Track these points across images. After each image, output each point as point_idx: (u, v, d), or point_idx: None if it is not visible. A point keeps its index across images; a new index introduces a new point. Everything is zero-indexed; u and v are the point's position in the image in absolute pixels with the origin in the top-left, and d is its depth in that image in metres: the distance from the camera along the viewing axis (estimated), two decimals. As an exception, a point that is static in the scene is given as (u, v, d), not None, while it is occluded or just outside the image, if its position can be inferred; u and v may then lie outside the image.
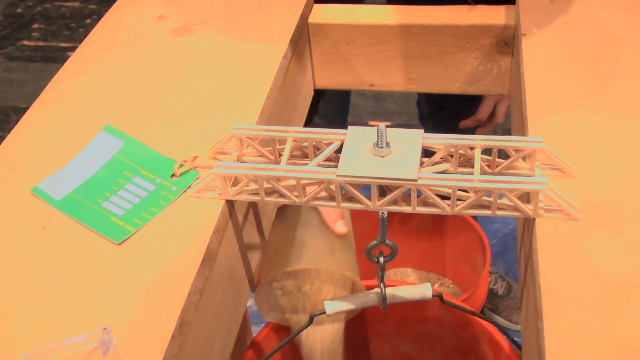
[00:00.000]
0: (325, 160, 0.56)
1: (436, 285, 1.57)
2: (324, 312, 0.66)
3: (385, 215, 0.57)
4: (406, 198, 0.54)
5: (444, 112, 1.46)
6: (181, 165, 0.60)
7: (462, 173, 0.56)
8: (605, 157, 0.57)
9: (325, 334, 0.86)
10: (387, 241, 0.59)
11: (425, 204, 0.53)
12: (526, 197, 0.54)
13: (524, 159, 0.55)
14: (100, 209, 0.57)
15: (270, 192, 0.56)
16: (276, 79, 0.69)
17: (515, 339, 0.78)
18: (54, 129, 0.66)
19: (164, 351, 0.46)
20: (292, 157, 0.59)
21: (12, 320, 0.49)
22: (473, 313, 0.75)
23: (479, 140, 0.54)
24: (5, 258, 0.54)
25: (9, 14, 2.93)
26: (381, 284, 0.64)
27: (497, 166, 0.56)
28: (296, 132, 0.57)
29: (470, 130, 1.39)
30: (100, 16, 0.84)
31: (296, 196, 0.55)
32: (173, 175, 0.59)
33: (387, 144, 0.53)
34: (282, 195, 0.55)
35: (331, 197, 0.55)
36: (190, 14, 0.81)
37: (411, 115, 2.13)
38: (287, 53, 0.73)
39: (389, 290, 0.65)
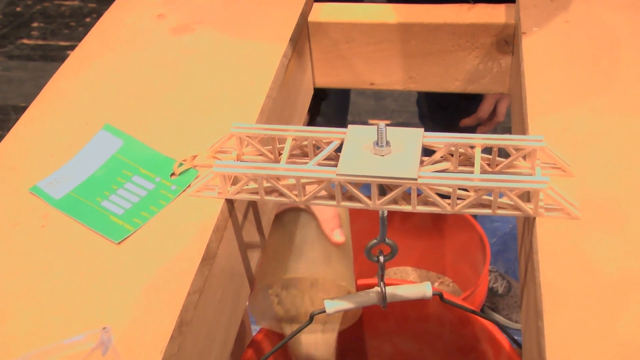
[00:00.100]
0: (325, 159, 0.56)
1: (436, 284, 1.57)
2: (324, 311, 0.66)
3: (385, 214, 0.57)
4: (406, 197, 0.54)
5: (444, 110, 1.46)
6: (181, 164, 0.59)
7: (462, 172, 0.56)
8: (606, 155, 0.57)
9: (317, 342, 0.86)
10: (387, 240, 0.59)
11: (426, 203, 0.53)
12: (526, 196, 0.54)
13: (524, 157, 0.55)
14: (100, 208, 0.57)
15: (270, 191, 0.56)
16: (276, 78, 0.69)
17: (515, 337, 0.78)
18: (53, 128, 0.66)
19: (164, 351, 0.46)
20: (291, 156, 0.59)
21: (11, 320, 0.49)
22: (473, 312, 0.75)
23: (479, 139, 0.54)
24: (4, 257, 0.54)
25: (9, 13, 2.92)
26: (381, 283, 0.64)
27: (497, 165, 0.56)
28: (296, 131, 0.57)
29: (471, 129, 1.39)
30: (99, 15, 0.83)
31: (296, 195, 0.55)
32: (172, 174, 0.59)
33: (387, 143, 0.53)
34: (281, 195, 0.55)
35: (331, 196, 0.55)
36: (189, 13, 0.81)
37: (411, 114, 2.13)
38: (286, 52, 0.73)
39: (389, 289, 0.64)
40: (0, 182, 0.61)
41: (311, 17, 0.81)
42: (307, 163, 0.55)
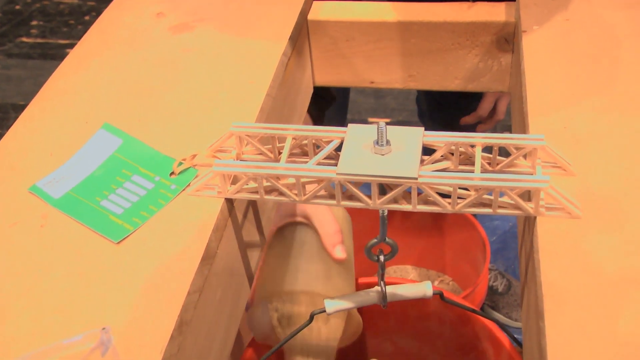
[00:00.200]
0: (325, 158, 0.56)
1: (436, 283, 1.57)
2: (324, 311, 0.66)
3: (386, 214, 0.56)
4: (406, 196, 0.53)
5: (444, 109, 1.46)
6: (180, 164, 0.59)
7: (462, 171, 0.55)
8: (607, 154, 0.57)
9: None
10: (387, 239, 0.59)
11: (426, 202, 0.53)
12: (527, 195, 0.53)
13: (524, 156, 0.55)
14: (99, 207, 0.57)
15: (269, 191, 0.56)
16: (275, 77, 0.69)
17: (515, 335, 0.78)
18: (52, 127, 0.66)
19: (163, 351, 0.46)
20: (291, 155, 0.59)
21: (10, 321, 0.49)
22: (474, 311, 0.75)
23: (479, 138, 0.54)
24: (3, 257, 0.54)
25: (8, 11, 2.92)
26: (381, 282, 0.64)
27: (497, 164, 0.56)
28: (296, 130, 0.57)
29: (471, 127, 1.39)
30: (99, 13, 0.83)
31: (296, 194, 0.54)
32: (172, 173, 0.59)
33: (388, 142, 0.52)
34: (281, 194, 0.55)
35: (331, 196, 0.55)
36: (189, 11, 0.80)
37: (411, 112, 2.13)
38: (286, 50, 0.73)
39: (389, 289, 0.64)
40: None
41: (311, 16, 0.81)
42: (307, 162, 0.55)
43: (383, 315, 1.06)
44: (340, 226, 0.83)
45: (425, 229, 1.54)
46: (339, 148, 0.55)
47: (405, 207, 0.53)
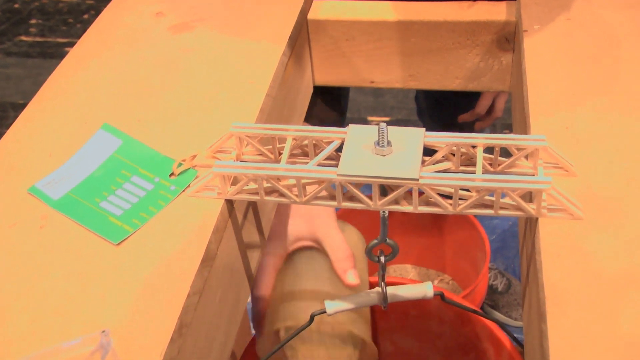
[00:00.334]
0: (326, 159, 0.55)
1: (436, 282, 1.57)
2: (325, 312, 0.66)
3: (386, 215, 0.56)
4: (407, 197, 0.53)
5: (442, 107, 1.46)
6: (180, 164, 0.59)
7: (463, 172, 0.55)
8: (609, 155, 0.56)
9: None
10: (388, 240, 0.59)
11: (427, 203, 0.53)
12: (529, 196, 0.53)
13: (526, 157, 0.55)
14: (98, 208, 0.57)
15: (270, 192, 0.55)
16: (275, 76, 0.69)
17: (515, 335, 0.78)
18: (51, 128, 0.66)
19: (163, 354, 0.46)
20: (292, 155, 0.59)
21: (9, 322, 0.49)
22: (474, 311, 0.75)
23: (481, 139, 0.54)
24: (2, 258, 0.54)
25: (6, 10, 2.92)
26: (382, 283, 0.63)
27: (499, 165, 0.55)
28: (296, 131, 0.57)
29: (469, 124, 1.39)
30: (98, 11, 0.83)
31: (296, 196, 0.54)
32: (172, 174, 0.59)
33: (388, 143, 0.52)
34: (282, 195, 0.55)
35: (332, 197, 0.54)
36: (188, 11, 0.80)
37: (410, 111, 2.13)
38: (286, 50, 0.72)
39: (389, 290, 0.64)
40: (-2, 183, 0.60)
41: (311, 15, 0.81)
42: (307, 163, 0.55)
43: (383, 315, 1.06)
44: (352, 250, 0.80)
45: (424, 228, 1.54)
46: (339, 149, 0.55)
47: (406, 208, 0.53)
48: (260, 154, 0.59)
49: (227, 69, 0.70)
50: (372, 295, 0.65)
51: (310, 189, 0.54)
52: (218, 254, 0.54)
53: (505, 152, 0.55)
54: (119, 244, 0.54)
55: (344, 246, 0.79)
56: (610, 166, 0.56)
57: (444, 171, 0.55)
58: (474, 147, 0.54)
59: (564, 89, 0.64)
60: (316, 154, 0.57)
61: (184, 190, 0.57)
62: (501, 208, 0.52)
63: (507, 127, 2.10)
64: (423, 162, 0.54)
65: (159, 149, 0.61)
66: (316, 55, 0.83)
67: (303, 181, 0.53)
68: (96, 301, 0.50)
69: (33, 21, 2.84)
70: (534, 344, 0.49)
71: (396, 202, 0.53)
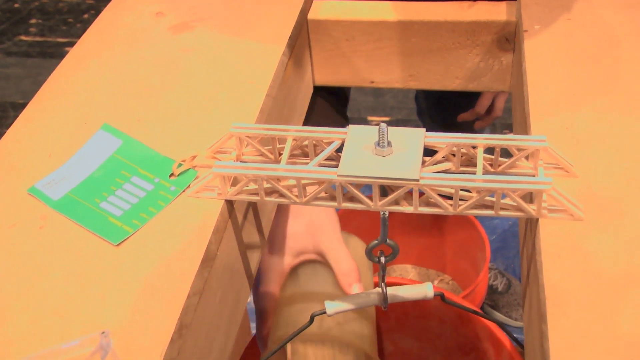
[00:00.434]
0: (326, 159, 0.55)
1: (436, 282, 1.57)
2: (325, 312, 0.65)
3: (387, 215, 0.56)
4: (408, 197, 0.53)
5: (442, 107, 1.46)
6: (180, 165, 0.59)
7: (464, 172, 0.55)
8: (610, 155, 0.56)
9: None
10: (388, 241, 0.59)
11: (428, 204, 0.53)
12: (529, 196, 0.53)
13: (526, 157, 0.55)
14: (98, 209, 0.57)
15: (270, 192, 0.55)
16: (275, 77, 0.69)
17: (515, 335, 0.78)
18: (51, 128, 0.66)
19: (163, 354, 0.45)
20: (292, 156, 0.59)
21: (8, 323, 0.49)
22: (475, 312, 0.75)
23: (481, 139, 0.54)
24: (1, 259, 0.54)
25: (6, 9, 2.92)
26: (382, 284, 0.63)
27: (499, 165, 0.55)
28: (296, 131, 0.57)
29: (469, 124, 1.39)
30: (98, 11, 0.83)
31: (296, 196, 0.54)
32: (172, 174, 0.59)
33: (389, 143, 0.52)
34: (282, 195, 0.55)
35: (332, 197, 0.54)
36: (188, 11, 0.80)
37: (410, 111, 2.13)
38: (286, 50, 0.72)
39: (390, 290, 0.64)
40: (-2, 183, 0.60)
41: (311, 15, 0.81)
42: (307, 163, 0.55)
43: (383, 315, 1.06)
44: (357, 263, 0.79)
45: (425, 228, 1.54)
46: (339, 149, 0.55)
47: (407, 208, 0.53)
48: (260, 155, 0.59)
49: (227, 69, 0.70)
50: (373, 296, 0.65)
51: (311, 190, 0.54)
52: (218, 255, 0.54)
53: (506, 153, 0.54)
54: (118, 244, 0.54)
55: (348, 259, 0.78)
56: (610, 166, 0.55)
57: (444, 172, 0.54)
58: (474, 147, 0.54)
59: (564, 89, 0.64)
60: (316, 155, 0.57)
61: (183, 191, 0.57)
62: (501, 209, 0.52)
63: (507, 127, 2.10)
64: (423, 162, 0.54)
65: (158, 149, 0.61)
66: (316, 55, 0.83)
67: (303, 182, 0.53)
68: (96, 302, 0.49)
69: (33, 21, 2.84)
70: (535, 345, 0.49)
71: (396, 202, 0.53)
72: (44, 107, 0.68)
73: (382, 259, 0.61)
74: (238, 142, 0.58)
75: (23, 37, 2.74)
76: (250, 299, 0.79)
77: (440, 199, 0.51)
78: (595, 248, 0.49)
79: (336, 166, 0.52)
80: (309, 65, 0.83)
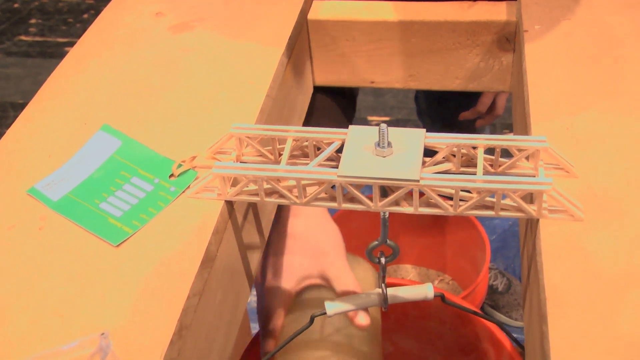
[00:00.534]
0: (326, 160, 0.55)
1: (436, 282, 1.57)
2: (325, 313, 0.66)
3: (387, 216, 0.56)
4: (408, 198, 0.53)
5: (442, 107, 1.46)
6: (180, 165, 0.59)
7: (464, 173, 0.55)
8: (610, 156, 0.56)
9: None
10: (388, 241, 0.59)
11: (428, 204, 0.53)
12: (529, 197, 0.53)
13: (527, 158, 0.55)
14: (98, 210, 0.57)
15: (270, 193, 0.55)
16: (275, 77, 0.69)
17: (515, 335, 0.78)
18: (50, 129, 0.66)
19: (163, 355, 0.45)
20: (292, 156, 0.58)
21: (8, 324, 0.49)
22: (475, 313, 0.75)
23: (481, 140, 0.54)
24: (1, 260, 0.53)
25: (6, 9, 2.92)
26: (382, 285, 0.63)
27: (500, 166, 0.55)
28: (296, 132, 0.56)
29: (470, 122, 1.39)
30: (97, 11, 0.83)
31: (296, 197, 0.54)
32: (171, 175, 0.59)
33: (389, 144, 0.52)
34: (282, 196, 0.55)
35: (332, 198, 0.54)
36: (188, 11, 0.80)
37: (410, 110, 2.13)
38: (286, 50, 0.72)
39: (390, 291, 0.64)
40: (-2, 184, 0.60)
41: (311, 15, 0.80)
42: (307, 164, 0.55)
43: (383, 315, 1.05)
44: (362, 287, 0.76)
45: (425, 228, 1.54)
46: (339, 150, 0.55)
47: (407, 209, 0.53)
48: (260, 155, 0.59)
49: (227, 69, 0.70)
50: (373, 297, 0.65)
51: (311, 190, 0.54)
52: (218, 255, 0.54)
53: (506, 153, 0.54)
54: (118, 245, 0.54)
55: (353, 284, 0.75)
56: (610, 167, 0.55)
57: (445, 172, 0.54)
58: (474, 148, 0.54)
59: (564, 90, 0.63)
60: (316, 155, 0.57)
61: (183, 192, 0.57)
62: (502, 209, 0.52)
63: (507, 127, 2.10)
64: (423, 163, 0.53)
65: (158, 150, 0.61)
66: (316, 56, 0.83)
67: (303, 182, 0.53)
68: (95, 303, 0.49)
69: (33, 21, 2.84)
70: (535, 345, 0.49)
71: (397, 203, 0.53)
72: (43, 107, 0.68)
73: (382, 260, 0.61)
74: (238, 143, 0.58)
75: (23, 37, 2.74)
76: (250, 299, 0.79)
77: (440, 200, 0.51)
78: (596, 248, 0.49)
79: (336, 167, 0.52)
80: (309, 66, 0.83)
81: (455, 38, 0.78)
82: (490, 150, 0.55)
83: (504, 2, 0.78)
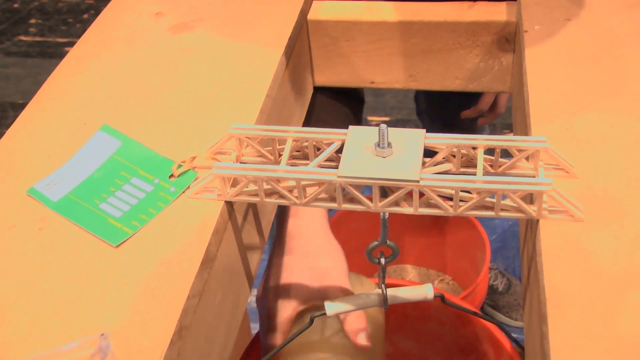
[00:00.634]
0: (326, 160, 0.55)
1: (436, 282, 1.57)
2: (325, 313, 0.65)
3: (387, 216, 0.56)
4: (408, 198, 0.53)
5: (442, 107, 1.46)
6: (179, 166, 0.59)
7: (464, 173, 0.55)
8: (610, 156, 0.56)
9: None
10: (388, 242, 0.59)
11: (428, 205, 0.53)
12: (529, 197, 0.53)
13: (527, 158, 0.55)
14: (98, 210, 0.57)
15: (270, 193, 0.55)
16: (275, 77, 0.69)
17: (515, 335, 0.78)
18: (50, 129, 0.65)
19: (163, 356, 0.45)
20: (292, 157, 0.58)
21: (8, 324, 0.49)
22: (475, 313, 0.74)
23: (481, 140, 0.54)
24: (0, 260, 0.53)
25: (6, 9, 2.92)
26: (382, 285, 0.63)
27: (500, 166, 0.55)
28: (296, 132, 0.56)
29: (469, 124, 1.39)
30: (97, 11, 0.83)
31: (296, 197, 0.54)
32: (171, 175, 0.59)
33: (389, 144, 0.52)
34: (282, 197, 0.55)
35: (332, 198, 0.54)
36: (188, 11, 0.80)
37: (410, 111, 2.13)
38: (286, 50, 0.72)
39: (390, 291, 0.64)
40: (-3, 184, 0.60)
41: (310, 15, 0.80)
42: (307, 164, 0.55)
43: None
44: (362, 311, 0.74)
45: (425, 228, 1.53)
46: (339, 150, 0.55)
47: (407, 209, 0.53)
48: (260, 156, 0.59)
49: (227, 69, 0.70)
50: (373, 297, 0.65)
51: (311, 191, 0.54)
52: (218, 256, 0.54)
53: (506, 154, 0.54)
54: (118, 246, 0.54)
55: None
56: (610, 167, 0.55)
57: (445, 173, 0.54)
58: (474, 148, 0.54)
59: (564, 90, 0.63)
60: (316, 156, 0.57)
61: (183, 192, 0.57)
62: (502, 210, 0.52)
63: (508, 127, 2.10)
64: (423, 163, 0.53)
65: (158, 150, 0.61)
66: (316, 56, 0.83)
67: (303, 183, 0.53)
68: (95, 303, 0.49)
69: (32, 21, 2.84)
70: (535, 346, 0.49)
71: (396, 203, 0.53)
72: (43, 108, 0.68)
73: (382, 260, 0.61)
74: (238, 143, 0.58)
75: (22, 37, 2.74)
76: (250, 299, 0.78)
77: (440, 200, 0.51)
78: (596, 249, 0.49)
79: (336, 167, 0.52)
80: (308, 66, 0.83)
81: (455, 38, 0.78)
82: (490, 151, 0.55)
83: (504, 3, 0.78)
